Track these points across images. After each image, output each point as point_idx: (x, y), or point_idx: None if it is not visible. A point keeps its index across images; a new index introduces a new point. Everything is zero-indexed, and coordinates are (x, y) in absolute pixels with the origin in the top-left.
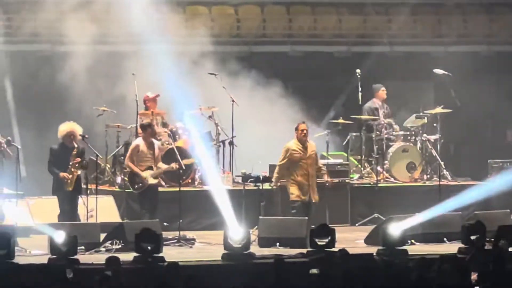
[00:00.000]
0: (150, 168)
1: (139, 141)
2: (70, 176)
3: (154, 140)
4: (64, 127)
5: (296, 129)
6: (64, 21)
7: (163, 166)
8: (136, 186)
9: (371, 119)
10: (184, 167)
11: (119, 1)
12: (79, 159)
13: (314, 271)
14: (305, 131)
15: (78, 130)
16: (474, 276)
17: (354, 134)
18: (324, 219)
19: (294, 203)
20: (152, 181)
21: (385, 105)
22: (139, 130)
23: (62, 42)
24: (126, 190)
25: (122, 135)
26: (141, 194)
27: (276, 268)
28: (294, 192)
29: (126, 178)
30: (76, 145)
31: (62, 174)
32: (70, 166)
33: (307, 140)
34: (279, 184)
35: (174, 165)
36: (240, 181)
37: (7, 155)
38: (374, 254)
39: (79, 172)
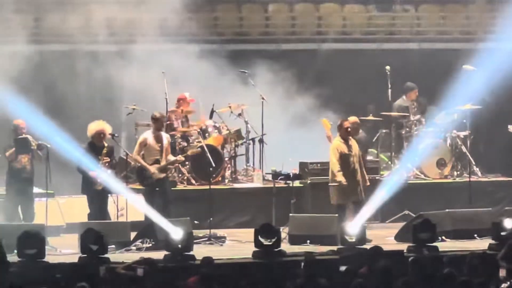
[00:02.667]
0: (157, 161)
1: (147, 134)
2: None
3: (162, 133)
4: (94, 126)
5: (340, 126)
6: (92, 20)
7: (171, 158)
8: (145, 181)
9: (401, 116)
10: (213, 164)
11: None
12: (108, 158)
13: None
14: (349, 129)
15: (108, 128)
16: (503, 273)
17: (384, 131)
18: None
19: (338, 206)
20: (159, 175)
21: (415, 103)
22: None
23: (90, 42)
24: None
25: None
26: (149, 189)
27: (307, 265)
28: (337, 194)
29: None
30: (105, 144)
31: (91, 172)
32: (99, 165)
33: (351, 138)
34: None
35: (180, 157)
36: (270, 178)
37: (37, 157)
38: (405, 251)
39: (108, 171)
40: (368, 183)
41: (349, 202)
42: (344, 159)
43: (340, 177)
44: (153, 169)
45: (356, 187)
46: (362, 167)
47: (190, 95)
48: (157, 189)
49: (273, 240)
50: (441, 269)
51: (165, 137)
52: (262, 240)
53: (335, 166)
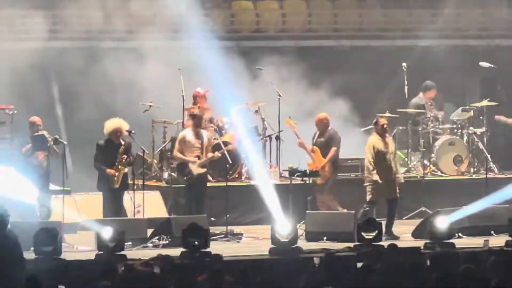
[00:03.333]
0: (198, 158)
1: (186, 131)
2: (117, 173)
3: (203, 130)
4: (111, 124)
5: (376, 123)
6: (110, 17)
7: (208, 155)
8: (185, 177)
9: (418, 113)
10: (230, 161)
11: None
12: (125, 156)
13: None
14: (385, 126)
15: (125, 126)
16: None
17: (400, 127)
18: (371, 213)
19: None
20: (199, 170)
21: (431, 101)
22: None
23: (109, 39)
24: (173, 186)
25: (168, 130)
26: (188, 185)
27: (326, 262)
28: (372, 190)
29: (170, 172)
30: (122, 141)
31: (108, 170)
32: (117, 163)
33: (387, 135)
34: (378, 176)
35: (216, 154)
36: (287, 175)
37: (53, 153)
38: (421, 247)
39: (126, 169)
40: (402, 180)
41: (383, 199)
42: (380, 156)
43: (375, 176)
44: (193, 164)
45: (391, 184)
46: (397, 164)
47: (202, 88)
48: (195, 184)
49: (290, 237)
50: (458, 266)
51: (205, 134)
52: (278, 237)
53: (370, 164)
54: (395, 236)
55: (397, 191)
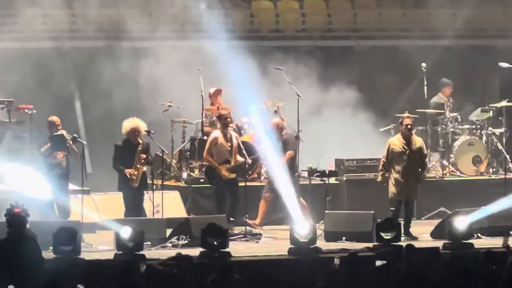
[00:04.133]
0: (228, 162)
1: (217, 134)
2: (136, 173)
3: (232, 132)
4: (128, 123)
5: (401, 123)
6: (127, 16)
7: (240, 159)
8: (214, 181)
9: (437, 113)
10: (249, 161)
11: None
12: (144, 156)
13: (380, 263)
14: (409, 126)
15: (143, 126)
16: None
17: (419, 128)
18: (389, 213)
19: (391, 201)
20: (229, 176)
21: (450, 99)
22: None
23: (126, 38)
24: (192, 186)
25: (187, 130)
26: (218, 189)
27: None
28: (390, 189)
29: (189, 172)
30: (140, 141)
31: (127, 170)
32: (135, 163)
33: (412, 135)
34: (382, 178)
35: (249, 159)
36: (306, 175)
37: (72, 153)
38: (440, 247)
39: (144, 168)
40: (422, 181)
41: (402, 198)
42: (396, 156)
43: (380, 177)
44: (223, 169)
45: (409, 185)
46: (423, 165)
47: (214, 86)
48: (225, 189)
49: (309, 237)
50: (477, 266)
51: (234, 136)
52: (297, 237)
53: (381, 163)
54: (413, 237)
55: (416, 192)
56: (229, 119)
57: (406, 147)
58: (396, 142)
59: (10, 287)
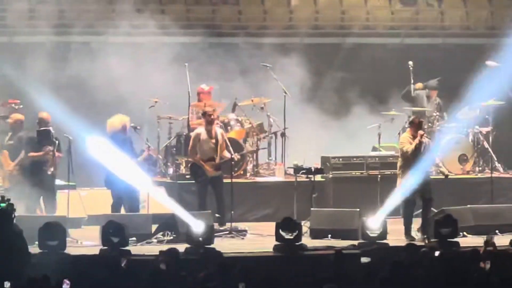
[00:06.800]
0: (212, 159)
1: (200, 130)
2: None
3: (218, 128)
4: (118, 121)
5: (412, 122)
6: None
7: (226, 155)
8: (199, 178)
9: (423, 112)
10: (237, 158)
11: None
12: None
13: (365, 259)
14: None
15: (128, 121)
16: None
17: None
18: (375, 210)
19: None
20: (213, 173)
21: (437, 99)
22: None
23: (114, 33)
24: (178, 182)
25: (174, 126)
26: (200, 186)
27: (335, 260)
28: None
29: (175, 168)
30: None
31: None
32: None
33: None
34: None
35: (236, 155)
36: (292, 172)
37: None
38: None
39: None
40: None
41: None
42: (404, 155)
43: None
44: (208, 166)
45: (422, 183)
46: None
47: (207, 84)
48: (209, 186)
49: (294, 234)
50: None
51: (220, 132)
52: (283, 234)
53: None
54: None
55: (429, 190)
56: (212, 116)
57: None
58: (403, 141)
59: (6, 283)
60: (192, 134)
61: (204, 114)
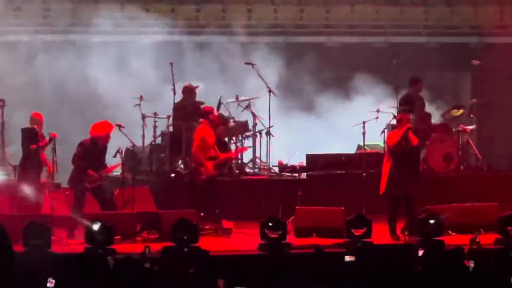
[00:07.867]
0: (213, 158)
1: (206, 131)
2: (98, 177)
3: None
4: (103, 128)
5: (400, 120)
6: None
7: (223, 154)
8: (198, 178)
9: (408, 110)
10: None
11: None
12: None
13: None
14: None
15: (112, 131)
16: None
17: (391, 124)
18: (360, 209)
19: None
20: (214, 172)
21: (421, 97)
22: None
23: (98, 32)
24: (163, 180)
25: (158, 124)
26: (204, 185)
27: (316, 258)
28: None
29: (159, 166)
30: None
31: (91, 172)
32: (101, 170)
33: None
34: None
35: (232, 153)
36: (277, 171)
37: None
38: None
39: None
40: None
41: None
42: (392, 151)
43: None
44: (210, 166)
45: (402, 181)
46: (417, 163)
47: (192, 83)
48: (209, 185)
49: (279, 232)
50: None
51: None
52: (268, 232)
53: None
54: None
55: (411, 188)
56: (215, 117)
57: (405, 143)
58: (390, 137)
59: None
60: (198, 134)
61: (207, 114)
